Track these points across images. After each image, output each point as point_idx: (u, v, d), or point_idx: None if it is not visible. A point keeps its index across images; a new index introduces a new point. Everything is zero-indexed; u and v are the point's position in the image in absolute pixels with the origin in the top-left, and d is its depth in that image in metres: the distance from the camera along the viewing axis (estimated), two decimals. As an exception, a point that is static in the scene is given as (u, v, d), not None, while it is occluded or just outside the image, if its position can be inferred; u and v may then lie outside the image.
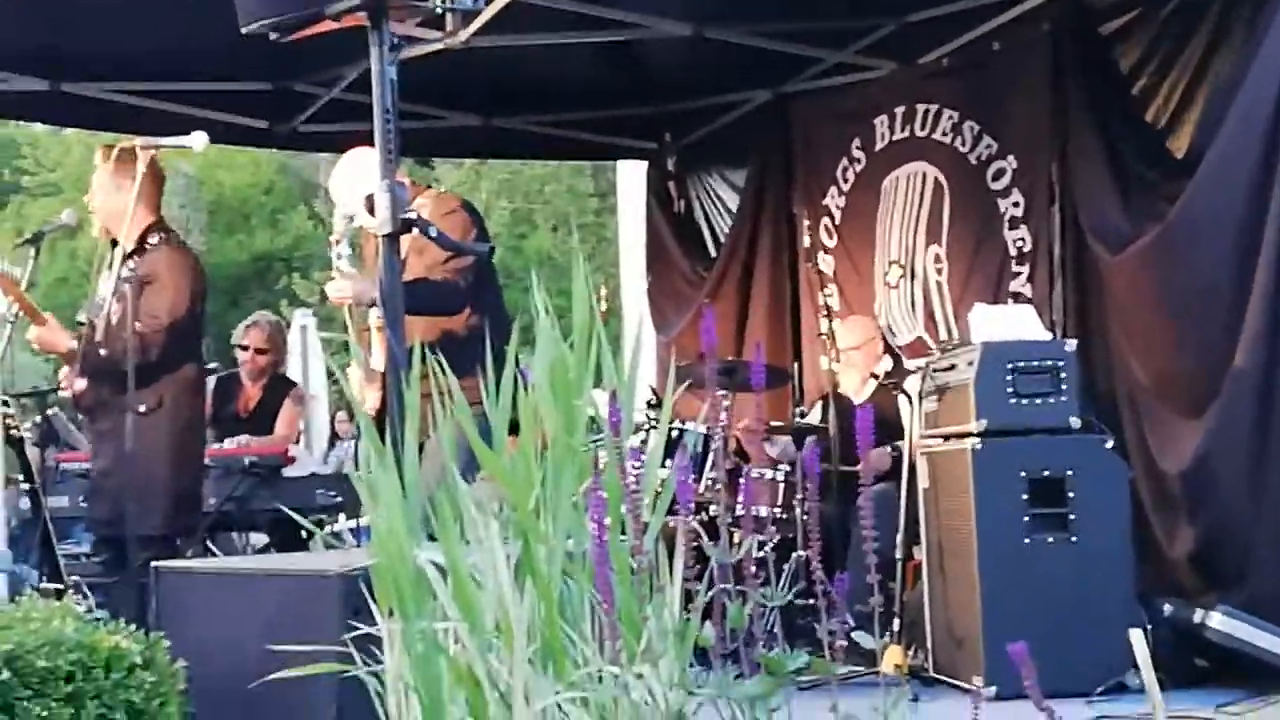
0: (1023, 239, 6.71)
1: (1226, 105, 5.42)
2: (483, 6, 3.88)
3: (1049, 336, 5.73)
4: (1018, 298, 6.62)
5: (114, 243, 5.64)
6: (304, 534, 6.43)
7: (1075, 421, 5.20)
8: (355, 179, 5.12)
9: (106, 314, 5.45)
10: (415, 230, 3.73)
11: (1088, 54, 6.33)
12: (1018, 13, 6.75)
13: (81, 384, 5.68)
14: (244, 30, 3.74)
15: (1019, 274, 6.72)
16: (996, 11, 6.82)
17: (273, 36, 3.76)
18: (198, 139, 5.45)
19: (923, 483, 5.66)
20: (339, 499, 6.85)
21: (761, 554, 5.56)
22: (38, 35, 6.84)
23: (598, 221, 28.08)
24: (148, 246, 5.56)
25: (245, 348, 7.51)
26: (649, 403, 6.49)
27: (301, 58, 7.27)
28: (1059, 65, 6.46)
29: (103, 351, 5.43)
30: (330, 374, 13.61)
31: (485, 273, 5.39)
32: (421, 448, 2.86)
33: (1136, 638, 2.79)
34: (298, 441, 8.72)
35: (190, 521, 5.77)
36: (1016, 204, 6.76)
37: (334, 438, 13.47)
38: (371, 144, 3.72)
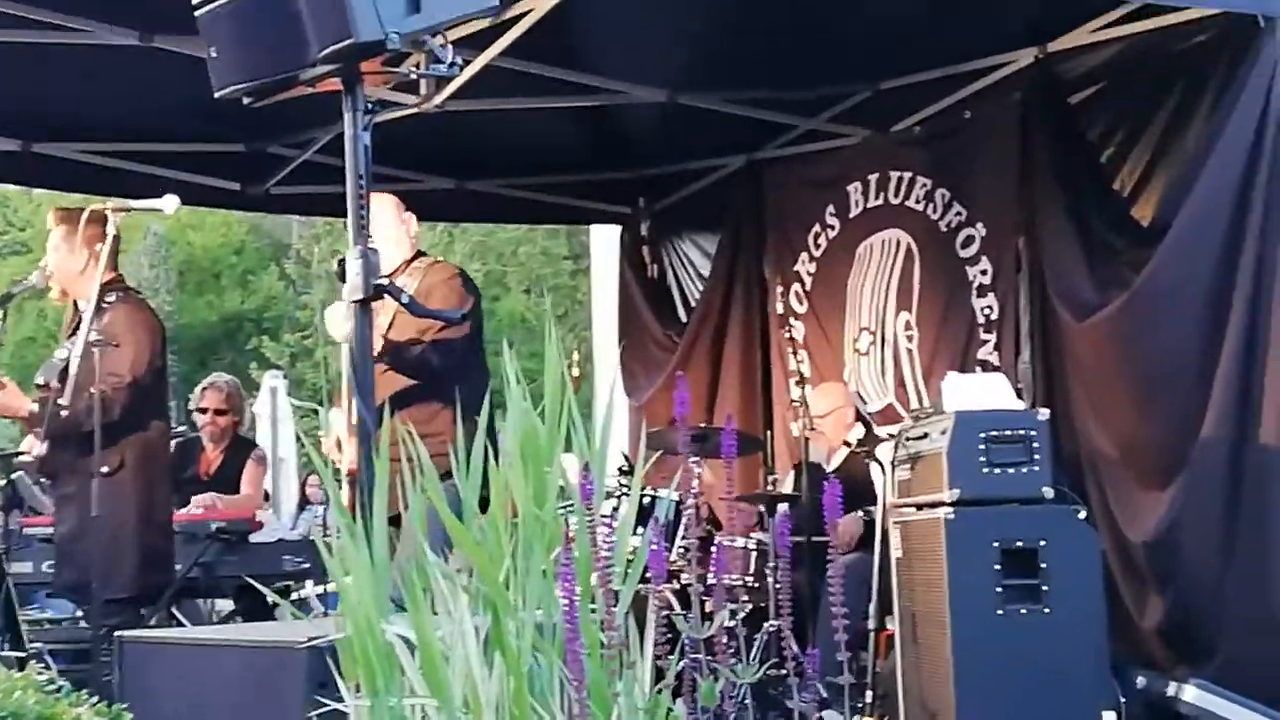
0: (990, 306, 6.73)
1: (1193, 175, 5.45)
2: (457, 72, 3.86)
3: (1021, 405, 5.72)
4: (985, 365, 6.63)
5: (74, 304, 5.61)
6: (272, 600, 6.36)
7: (1048, 491, 5.18)
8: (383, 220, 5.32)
9: (68, 375, 5.38)
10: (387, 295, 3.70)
11: (1057, 123, 6.38)
12: (989, 82, 6.81)
13: (42, 448, 5.61)
14: (217, 95, 3.72)
15: (986, 341, 6.74)
16: (968, 80, 6.88)
17: (246, 101, 3.74)
18: (169, 202, 5.43)
19: (895, 552, 5.63)
20: (307, 565, 6.77)
21: (733, 623, 5.52)
22: (10, 96, 6.82)
23: (571, 284, 28.16)
24: (105, 305, 5.51)
25: (204, 410, 7.41)
26: (621, 469, 6.46)
27: (275, 120, 7.27)
28: (1028, 134, 6.51)
29: (64, 413, 5.37)
30: (299, 438, 13.55)
31: (476, 341, 5.45)
32: (398, 519, 2.83)
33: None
34: (266, 499, 8.64)
35: (160, 581, 5.69)
36: (984, 271, 6.78)
37: (304, 502, 13.39)
38: (336, 211, 3.70)
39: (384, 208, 5.49)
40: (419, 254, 5.70)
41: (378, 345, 4.68)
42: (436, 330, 5.27)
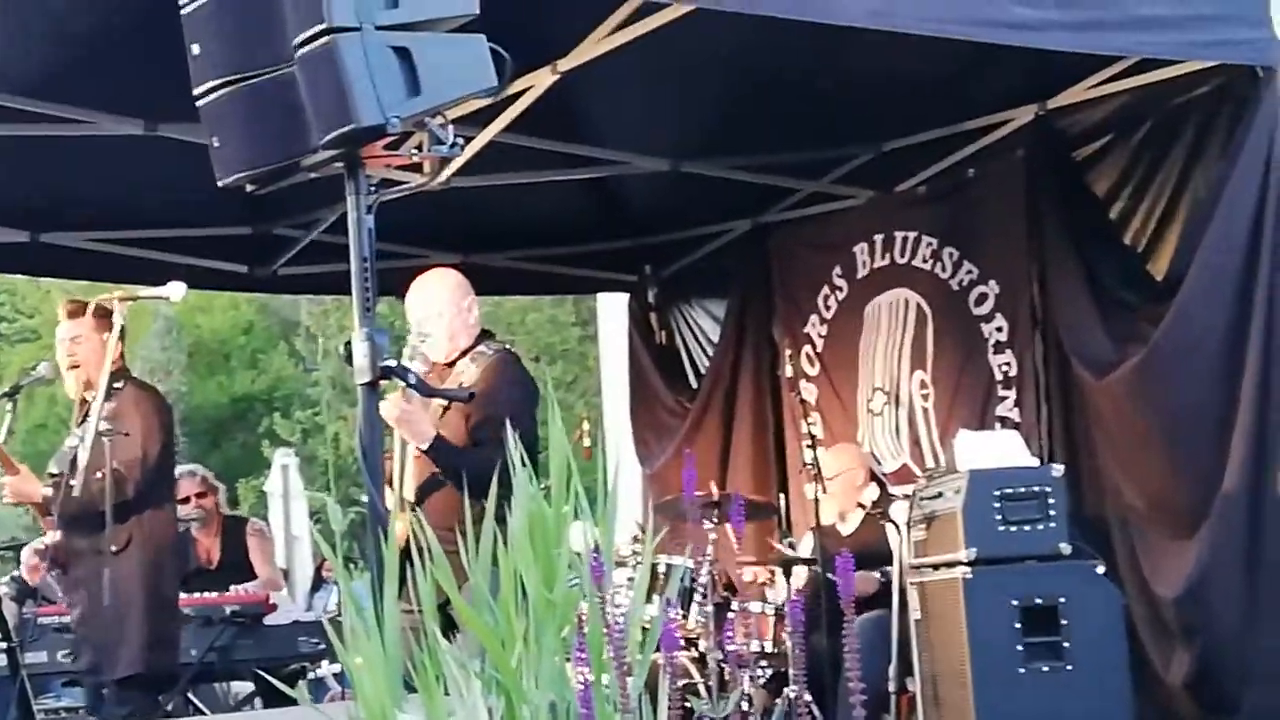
0: (1008, 363, 6.71)
1: (1204, 227, 5.45)
2: (459, 151, 3.87)
3: (1035, 462, 5.69)
4: (1005, 422, 6.60)
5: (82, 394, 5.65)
6: (289, 682, 6.32)
7: (1065, 547, 5.16)
8: (428, 302, 5.07)
9: (81, 461, 5.40)
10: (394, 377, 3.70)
11: (1062, 180, 6.39)
12: (991, 140, 6.82)
13: (56, 534, 5.63)
14: (221, 184, 3.74)
15: (1005, 398, 6.71)
16: (970, 139, 6.89)
17: (249, 189, 3.76)
18: (175, 289, 5.45)
19: (914, 613, 5.59)
20: (323, 646, 6.74)
21: (750, 690, 5.46)
22: (17, 188, 6.86)
23: (580, 350, 28.15)
24: (113, 390, 5.55)
25: (185, 499, 7.32)
26: (635, 537, 6.43)
27: (281, 202, 7.32)
28: (1033, 191, 6.51)
29: (76, 494, 5.38)
30: (313, 514, 13.52)
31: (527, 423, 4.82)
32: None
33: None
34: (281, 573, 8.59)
35: (168, 661, 5.67)
36: (1000, 328, 6.76)
37: (318, 581, 13.31)
38: (344, 290, 3.69)
39: (442, 286, 5.17)
40: (485, 335, 5.23)
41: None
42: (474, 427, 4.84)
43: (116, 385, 5.59)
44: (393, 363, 3.58)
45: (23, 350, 29.96)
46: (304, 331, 32.49)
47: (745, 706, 2.48)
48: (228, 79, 3.64)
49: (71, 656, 5.71)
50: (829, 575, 6.15)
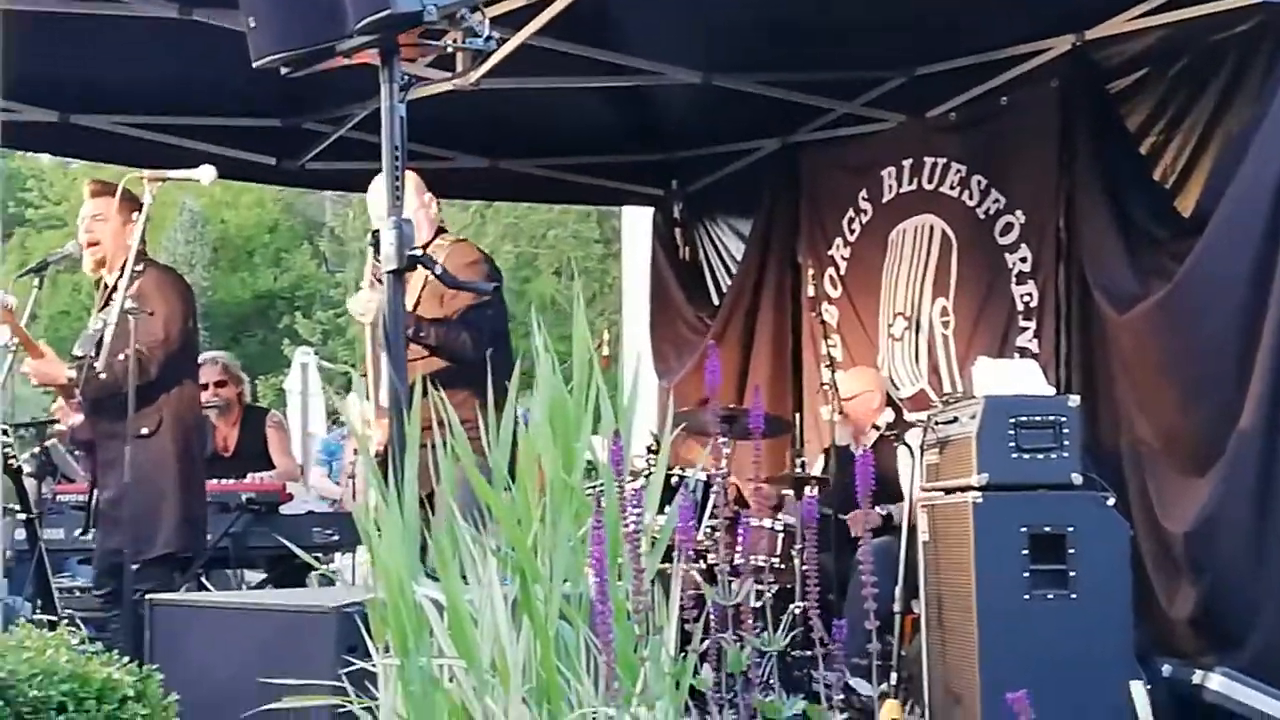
0: (1030, 294, 6.71)
1: (1234, 165, 5.42)
2: (494, 47, 3.87)
3: (1052, 392, 5.71)
4: (1024, 352, 6.61)
5: (98, 280, 5.68)
6: (302, 571, 6.39)
7: (1077, 478, 5.17)
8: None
9: (103, 343, 5.45)
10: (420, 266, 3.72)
11: (1095, 112, 6.35)
12: (1026, 69, 6.77)
13: (78, 419, 5.69)
14: (255, 64, 3.74)
15: (1026, 329, 6.72)
16: (1005, 67, 6.84)
17: (284, 72, 3.76)
18: (205, 172, 5.46)
19: (923, 536, 5.63)
20: (336, 537, 6.81)
21: (759, 603, 5.53)
22: (48, 67, 6.86)
23: (601, 267, 28.14)
24: (135, 274, 5.58)
25: (204, 385, 7.35)
26: (649, 448, 6.47)
27: (311, 95, 7.31)
28: (1066, 122, 6.47)
29: (102, 376, 5.43)
30: (330, 412, 13.59)
31: (500, 324, 5.46)
32: (431, 497, 2.83)
33: (1137, 689, 2.77)
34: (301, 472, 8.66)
35: (196, 543, 5.75)
36: (1024, 259, 6.75)
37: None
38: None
39: (406, 183, 5.50)
40: (440, 231, 5.76)
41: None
42: (463, 310, 5.29)
43: (137, 269, 5.62)
44: (419, 251, 3.59)
45: (50, 236, 30.05)
46: (328, 233, 32.53)
47: (754, 602, 2.51)
48: (267, -40, 3.64)
49: (96, 534, 5.77)
50: (840, 494, 6.21)
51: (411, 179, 5.58)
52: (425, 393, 2.82)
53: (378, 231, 3.65)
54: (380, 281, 4.80)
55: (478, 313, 5.45)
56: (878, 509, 6.44)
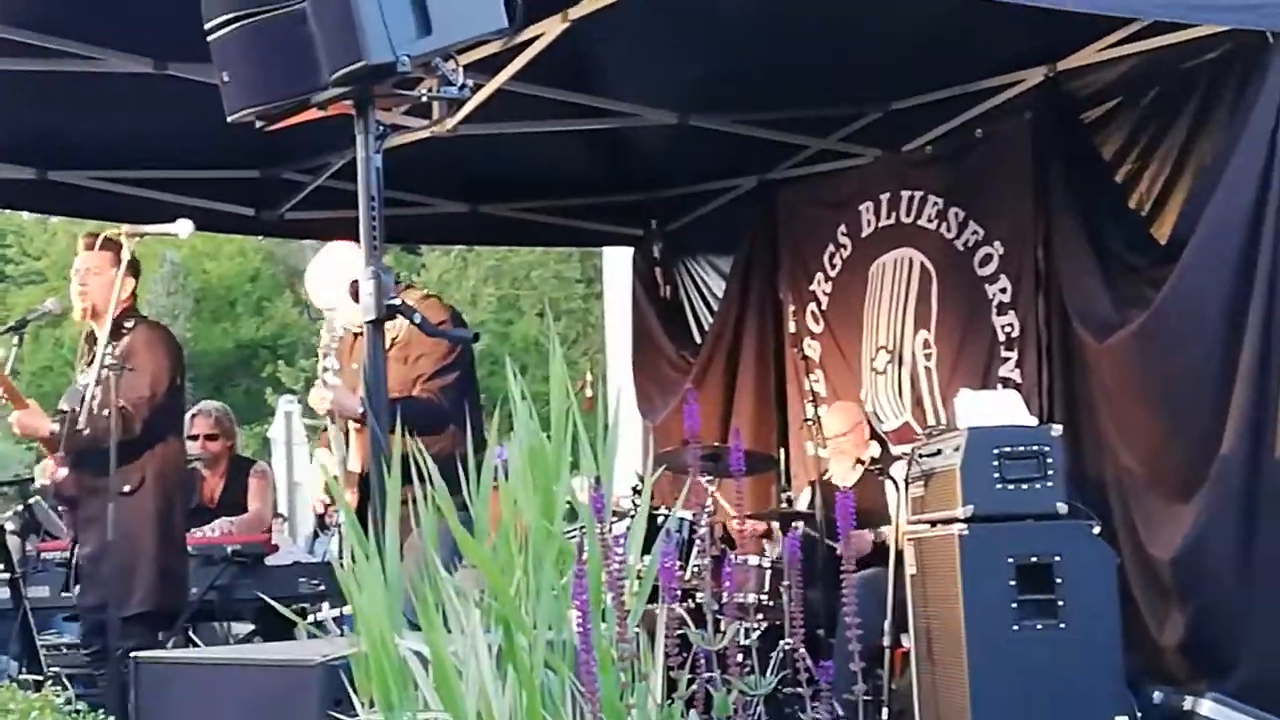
0: (1011, 324, 6.73)
1: (1209, 190, 5.45)
2: (469, 95, 3.88)
3: (1034, 422, 5.72)
4: (1006, 383, 6.63)
5: (90, 332, 5.67)
6: (289, 623, 6.36)
7: (1062, 507, 5.18)
8: (331, 275, 5.18)
9: (88, 397, 5.44)
10: (400, 316, 3.72)
11: (1069, 142, 6.39)
12: (1000, 101, 6.81)
13: (63, 472, 5.68)
14: (230, 119, 3.75)
15: (1008, 359, 6.73)
16: (978, 100, 6.88)
17: (258, 125, 3.76)
18: (183, 226, 5.48)
19: (910, 569, 5.63)
20: (323, 588, 6.79)
21: (747, 642, 5.51)
22: (25, 124, 6.86)
23: (584, 307, 28.17)
24: (123, 330, 5.59)
25: (195, 437, 7.35)
26: (634, 488, 6.46)
27: (288, 146, 7.31)
28: (1041, 153, 6.51)
29: (85, 431, 5.43)
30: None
31: (467, 386, 5.40)
32: (403, 545, 2.83)
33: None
34: (276, 516, 8.60)
35: (176, 600, 5.73)
36: (1004, 289, 6.78)
37: (321, 526, 13.37)
38: (350, 236, 3.72)
39: (348, 256, 5.17)
40: (407, 287, 5.65)
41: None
42: (426, 379, 5.25)
43: (127, 325, 5.63)
44: (397, 301, 3.59)
45: (29, 292, 29.98)
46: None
47: (743, 640, 2.51)
48: (238, 14, 3.64)
49: (78, 591, 5.75)
50: (826, 529, 6.20)
51: (351, 249, 5.40)
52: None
53: (356, 281, 3.64)
54: (327, 384, 5.02)
55: (441, 377, 5.32)
56: (868, 531, 6.41)
